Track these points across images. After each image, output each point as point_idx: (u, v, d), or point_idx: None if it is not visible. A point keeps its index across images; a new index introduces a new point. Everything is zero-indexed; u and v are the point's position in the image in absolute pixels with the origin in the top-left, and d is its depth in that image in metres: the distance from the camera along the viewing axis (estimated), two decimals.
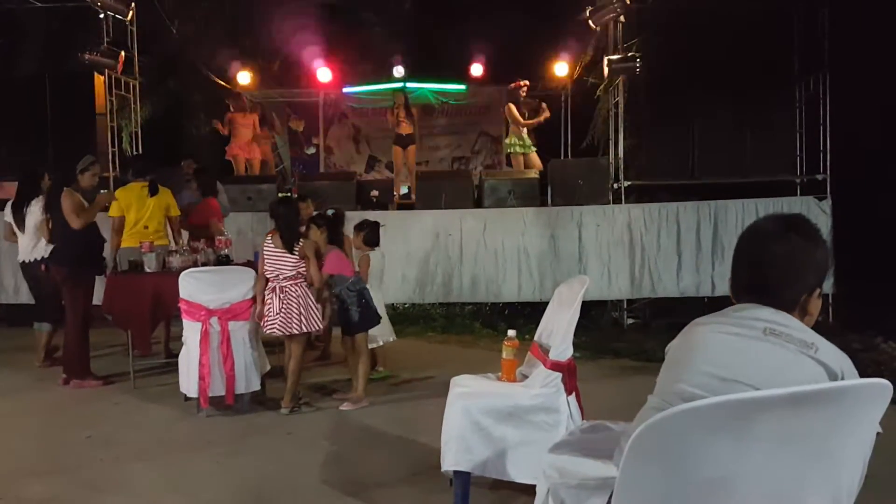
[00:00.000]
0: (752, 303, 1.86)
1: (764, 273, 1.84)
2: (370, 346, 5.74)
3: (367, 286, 5.51)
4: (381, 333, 5.91)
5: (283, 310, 5.01)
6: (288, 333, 5.06)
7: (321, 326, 5.29)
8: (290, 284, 5.04)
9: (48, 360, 6.52)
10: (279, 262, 5.06)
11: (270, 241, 5.12)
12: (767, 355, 1.71)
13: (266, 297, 5.10)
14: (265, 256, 5.13)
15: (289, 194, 5.27)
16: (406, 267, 8.48)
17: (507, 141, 10.63)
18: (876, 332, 7.06)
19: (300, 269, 5.07)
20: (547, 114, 10.31)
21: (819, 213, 8.28)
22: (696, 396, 1.67)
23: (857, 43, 8.58)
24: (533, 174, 9.38)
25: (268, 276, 5.09)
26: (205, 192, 7.13)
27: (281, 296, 5.01)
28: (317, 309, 5.14)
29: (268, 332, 5.10)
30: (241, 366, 5.10)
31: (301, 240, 5.12)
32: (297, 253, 5.06)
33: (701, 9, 8.29)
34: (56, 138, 8.70)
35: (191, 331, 5.08)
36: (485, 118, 12.90)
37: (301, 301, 5.04)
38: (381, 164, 13.01)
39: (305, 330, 5.10)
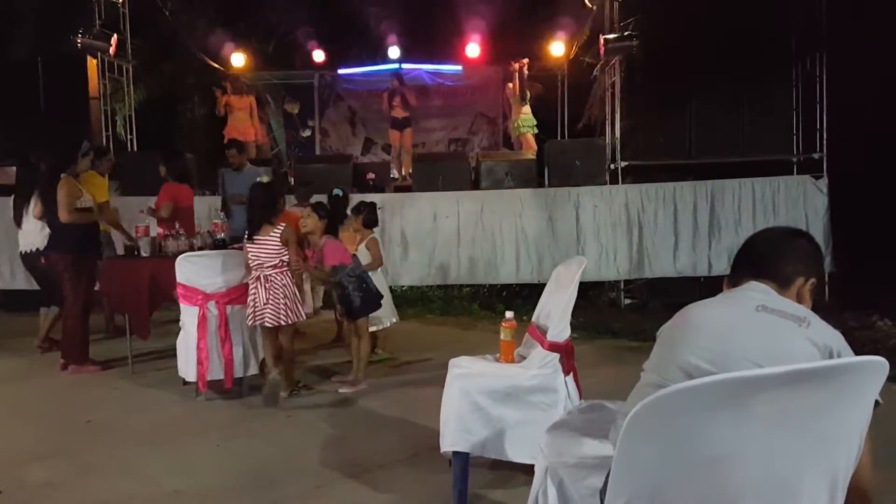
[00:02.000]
0: (747, 277, 1.94)
1: (759, 246, 2.05)
2: (373, 329, 5.75)
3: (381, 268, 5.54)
4: (384, 315, 5.90)
5: (270, 300, 4.86)
6: (276, 325, 4.92)
7: (304, 316, 5.16)
8: (275, 273, 4.90)
9: (47, 342, 6.52)
10: (259, 249, 4.91)
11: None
12: (761, 329, 1.75)
13: (251, 288, 4.95)
14: (246, 246, 5.01)
15: (266, 179, 5.11)
16: (404, 249, 8.48)
17: (514, 124, 10.61)
18: (873, 310, 7.09)
19: (283, 257, 4.92)
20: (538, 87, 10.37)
21: (816, 192, 8.30)
22: (696, 368, 1.69)
23: (854, 22, 8.54)
24: (530, 155, 9.36)
25: (251, 264, 4.96)
26: (176, 176, 7.00)
27: (266, 285, 4.87)
28: (300, 297, 5.10)
29: (257, 323, 4.94)
30: (240, 350, 5.11)
31: (281, 224, 4.94)
32: (277, 237, 4.88)
33: None
34: (49, 122, 8.61)
35: (188, 315, 5.08)
36: (481, 99, 12.83)
37: (287, 290, 4.91)
38: (377, 146, 12.95)
39: (294, 320, 4.97)
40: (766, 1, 8.39)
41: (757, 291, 1.87)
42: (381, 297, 5.46)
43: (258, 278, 4.91)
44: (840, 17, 8.39)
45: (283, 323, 4.93)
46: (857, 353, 1.68)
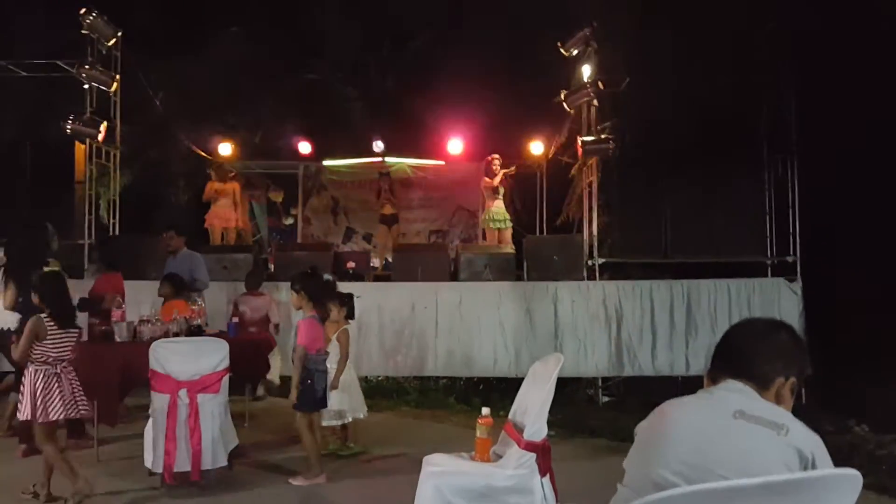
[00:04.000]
0: (725, 375, 1.88)
1: (737, 342, 1.95)
2: (341, 422, 5.67)
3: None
4: (354, 408, 5.82)
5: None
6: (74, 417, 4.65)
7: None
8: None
9: (11, 429, 6.30)
10: (61, 342, 4.57)
11: (48, 320, 4.53)
12: (738, 439, 1.70)
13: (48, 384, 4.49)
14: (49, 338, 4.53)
15: (52, 268, 5.01)
16: (381, 339, 8.43)
17: (483, 216, 10.83)
18: (850, 413, 7.09)
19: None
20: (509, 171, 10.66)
21: (790, 295, 8.44)
22: (670, 483, 1.66)
23: (824, 128, 8.92)
24: (509, 249, 9.49)
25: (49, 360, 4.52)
26: (109, 265, 6.98)
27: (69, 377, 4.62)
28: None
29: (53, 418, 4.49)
30: (209, 440, 4.97)
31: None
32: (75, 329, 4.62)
33: (672, 93, 8.62)
34: (34, 205, 8.64)
35: (159, 403, 4.96)
36: (461, 192, 13.07)
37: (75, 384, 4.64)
38: (358, 235, 13.07)
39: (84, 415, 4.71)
40: (737, 106, 8.76)
41: (735, 392, 1.82)
42: (325, 402, 5.25)
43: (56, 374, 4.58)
44: (810, 123, 8.78)
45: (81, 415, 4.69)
46: (833, 458, 1.67)
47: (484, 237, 11.37)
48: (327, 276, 6.10)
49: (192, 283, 7.11)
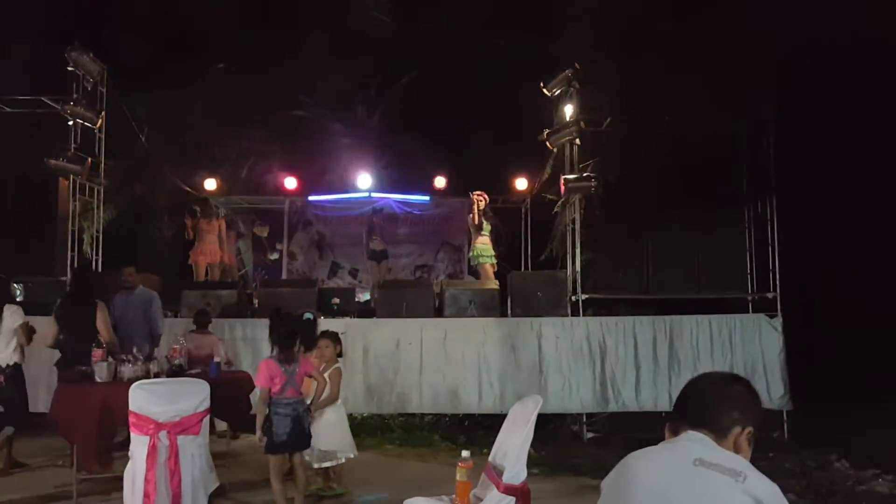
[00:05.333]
0: (685, 426, 1.95)
1: (696, 395, 2.04)
2: (329, 464, 5.58)
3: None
4: (341, 449, 5.71)
5: None
6: None
7: None
8: None
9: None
10: None
11: None
12: (698, 485, 1.76)
13: None
14: None
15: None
16: (365, 376, 8.40)
17: (472, 254, 10.78)
18: (831, 447, 7.13)
19: None
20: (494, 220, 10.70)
21: (770, 331, 8.51)
22: None
23: (802, 167, 9.10)
24: (493, 285, 9.52)
25: None
26: None
27: None
28: None
29: None
30: (188, 483, 4.90)
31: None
32: None
33: (653, 133, 8.77)
34: (16, 242, 8.60)
35: (138, 445, 4.90)
36: (447, 227, 13.17)
37: None
38: (343, 270, 13.09)
39: None
40: (718, 146, 8.92)
41: (694, 442, 1.88)
42: (289, 446, 5.03)
43: None
44: (789, 162, 8.95)
45: None
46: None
47: (475, 274, 11.42)
48: (308, 314, 6.08)
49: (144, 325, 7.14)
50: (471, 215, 10.52)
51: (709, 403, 1.98)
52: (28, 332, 6.37)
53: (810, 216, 9.16)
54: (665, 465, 1.86)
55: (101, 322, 6.20)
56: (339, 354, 5.93)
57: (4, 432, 6.29)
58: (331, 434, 5.61)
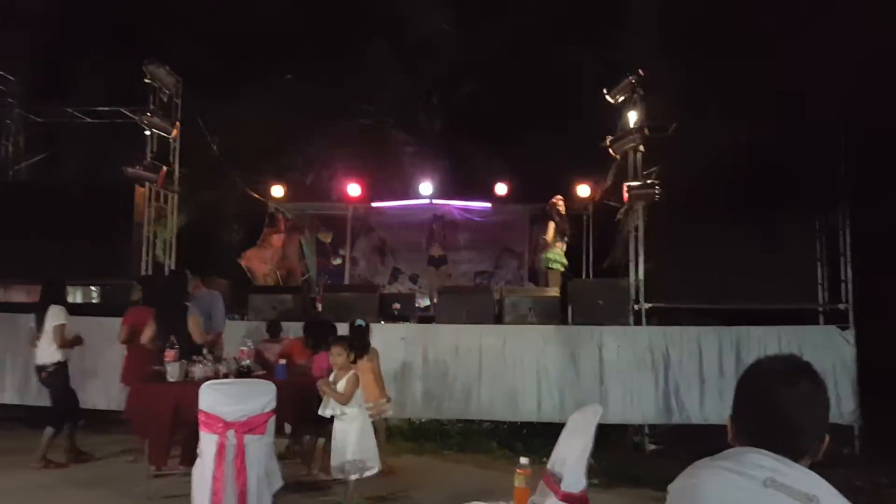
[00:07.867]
0: (759, 449, 1.81)
1: (777, 420, 1.82)
2: (356, 477, 5.48)
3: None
4: (368, 460, 5.45)
5: None
6: None
7: None
8: None
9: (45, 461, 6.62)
10: None
11: None
12: None
13: None
14: None
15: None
16: (424, 381, 8.47)
17: (547, 255, 10.58)
18: None
19: None
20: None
21: (843, 343, 8.21)
22: None
23: (875, 172, 8.75)
24: (554, 292, 9.47)
25: None
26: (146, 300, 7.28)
27: None
28: None
29: None
30: (254, 482, 5.05)
31: None
32: None
33: (720, 138, 8.53)
34: (94, 246, 8.99)
35: (207, 443, 5.07)
36: (507, 234, 13.16)
37: None
38: (404, 275, 13.22)
39: None
40: (786, 152, 8.61)
41: (767, 457, 1.76)
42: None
43: None
44: (861, 167, 8.61)
45: None
46: None
47: (536, 280, 11.34)
48: (360, 321, 6.16)
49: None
50: (554, 220, 10.31)
51: (787, 422, 1.81)
52: (61, 334, 6.66)
53: (885, 223, 8.79)
54: (733, 483, 1.75)
55: (193, 324, 6.42)
56: (354, 361, 5.81)
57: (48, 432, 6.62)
58: (357, 444, 5.49)
